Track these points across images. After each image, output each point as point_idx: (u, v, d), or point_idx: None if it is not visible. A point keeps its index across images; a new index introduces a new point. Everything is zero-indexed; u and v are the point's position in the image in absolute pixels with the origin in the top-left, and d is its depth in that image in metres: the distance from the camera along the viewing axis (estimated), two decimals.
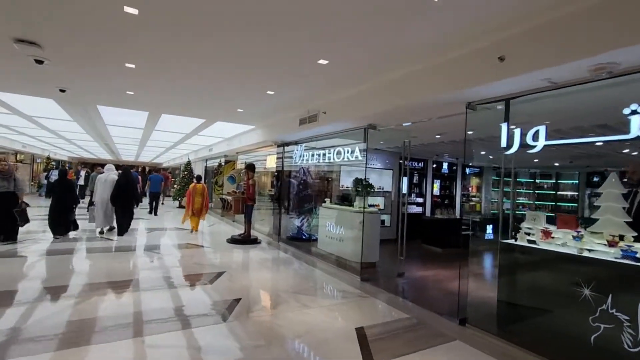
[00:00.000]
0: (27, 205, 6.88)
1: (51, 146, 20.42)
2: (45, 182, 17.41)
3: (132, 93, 5.90)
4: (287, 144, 8.71)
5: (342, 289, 5.09)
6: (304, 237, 8.66)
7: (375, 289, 5.14)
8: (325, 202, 7.65)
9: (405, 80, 4.30)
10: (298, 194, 8.76)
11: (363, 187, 6.81)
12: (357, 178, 7.00)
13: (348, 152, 6.37)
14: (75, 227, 8.04)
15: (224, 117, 7.98)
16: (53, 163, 27.50)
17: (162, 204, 17.55)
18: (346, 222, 6.69)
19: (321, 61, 3.96)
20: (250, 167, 8.55)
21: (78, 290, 4.32)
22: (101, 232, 8.26)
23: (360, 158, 6.02)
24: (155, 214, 13.23)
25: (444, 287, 5.50)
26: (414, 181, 10.74)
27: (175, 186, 21.11)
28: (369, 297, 4.79)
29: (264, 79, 4.94)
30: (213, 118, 8.23)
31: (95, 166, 15.94)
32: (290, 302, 4.35)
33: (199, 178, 10.28)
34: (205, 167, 18.67)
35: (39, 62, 4.30)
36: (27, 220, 6.86)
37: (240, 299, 4.32)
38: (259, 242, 8.44)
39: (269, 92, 5.44)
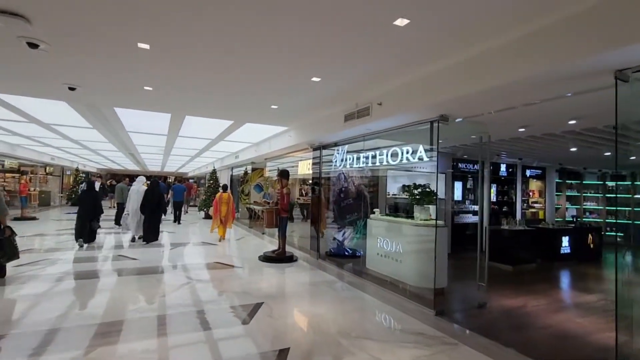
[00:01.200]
0: (13, 233, 5.04)
1: (79, 158, 20.37)
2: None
3: (150, 89, 5.01)
4: (325, 147, 7.63)
5: (416, 330, 3.89)
6: (346, 253, 7.51)
7: (460, 330, 3.91)
8: (374, 212, 6.48)
9: (516, 47, 3.10)
10: (338, 203, 7.64)
11: (424, 194, 5.61)
12: (414, 184, 5.81)
13: (407, 153, 5.19)
14: (92, 239, 8.26)
15: (255, 117, 7.02)
16: (82, 175, 27.87)
17: (186, 212, 18.54)
18: (405, 237, 5.50)
19: (399, 21, 2.84)
20: (284, 174, 7.52)
21: (85, 337, 3.35)
22: (133, 240, 8.82)
23: (426, 159, 4.84)
24: (179, 223, 13.36)
25: (552, 326, 4.18)
26: (468, 186, 9.39)
27: (202, 196, 20.58)
28: (457, 343, 3.56)
29: (312, 61, 3.89)
30: (242, 119, 7.29)
31: (124, 177, 15.35)
32: (356, 353, 3.20)
33: (225, 187, 10.36)
34: (231, 175, 17.94)
35: (34, 45, 3.44)
36: (13, 254, 4.97)
37: (288, 348, 3.22)
38: (295, 260, 7.36)
39: (314, 78, 4.38)
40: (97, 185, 12.79)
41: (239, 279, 5.79)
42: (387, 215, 6.24)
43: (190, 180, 36.26)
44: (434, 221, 5.52)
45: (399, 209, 6.08)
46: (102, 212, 8.59)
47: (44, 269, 5.89)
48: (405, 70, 4.09)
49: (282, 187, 7.46)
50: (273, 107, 5.93)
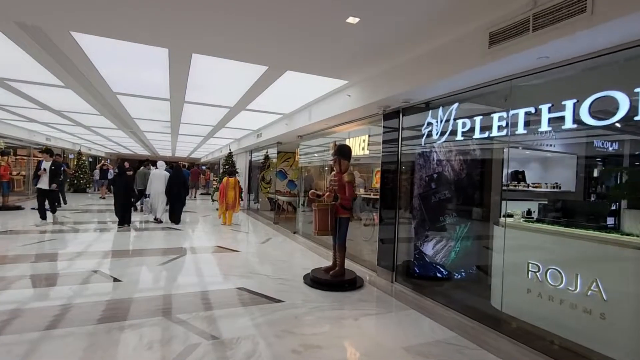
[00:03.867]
0: None
1: (80, 139, 18.15)
2: (96, 178, 18.98)
3: None
4: (408, 110, 4.94)
5: None
6: (440, 275, 4.88)
7: None
8: (510, 215, 3.80)
9: None
10: (427, 197, 4.97)
11: None
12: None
13: None
14: (124, 222, 8.54)
15: (305, 57, 4.35)
16: (90, 159, 25.82)
17: (194, 198, 18.62)
18: (617, 271, 2.83)
19: None
20: (344, 152, 4.90)
21: None
22: (159, 221, 9.29)
23: None
24: (184, 204, 13.01)
25: None
26: (594, 174, 6.57)
27: (215, 184, 18.21)
28: None
29: None
30: (283, 62, 4.61)
31: (146, 162, 13.11)
32: None
33: (231, 173, 11.03)
34: (250, 160, 15.39)
35: None
36: None
37: None
38: (360, 286, 4.77)
39: None
40: (45, 167, 9.38)
41: (290, 333, 3.19)
42: (548, 222, 3.53)
43: (203, 167, 34.24)
44: None
45: (587, 212, 3.38)
46: (134, 197, 9.53)
47: None
48: None
49: (342, 172, 4.83)
50: (350, 21, 3.22)
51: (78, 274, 4.67)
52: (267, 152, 13.98)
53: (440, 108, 4.38)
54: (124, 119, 9.85)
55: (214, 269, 5.33)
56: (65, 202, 12.32)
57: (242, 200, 14.40)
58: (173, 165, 10.35)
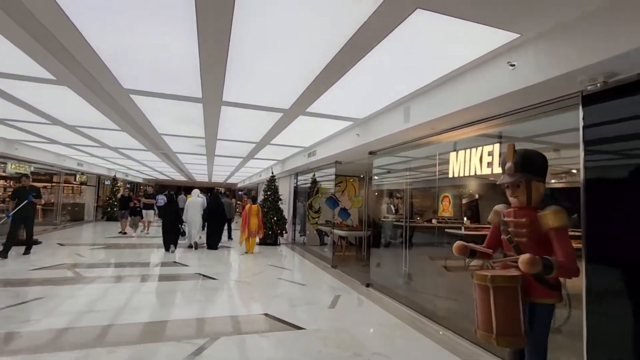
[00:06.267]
0: None
1: (113, 164, 17.02)
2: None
3: None
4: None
5: None
6: None
7: None
8: None
9: None
10: None
11: None
12: None
13: None
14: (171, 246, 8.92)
15: None
16: (127, 186, 25.07)
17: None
18: None
19: None
20: (533, 165, 2.39)
21: None
22: (190, 246, 9.61)
23: None
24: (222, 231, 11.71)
25: None
26: None
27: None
28: None
29: None
30: None
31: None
32: None
33: (254, 199, 10.67)
34: (296, 185, 13.21)
35: None
36: None
37: None
38: None
39: None
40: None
41: None
42: None
43: (240, 192, 32.67)
44: None
45: None
46: (182, 223, 9.34)
47: None
48: None
49: (532, 206, 2.32)
50: None
51: None
52: (314, 176, 11.76)
53: None
54: (150, 136, 8.04)
55: None
56: (30, 243, 8.08)
57: (286, 232, 12.17)
58: (212, 192, 10.62)
